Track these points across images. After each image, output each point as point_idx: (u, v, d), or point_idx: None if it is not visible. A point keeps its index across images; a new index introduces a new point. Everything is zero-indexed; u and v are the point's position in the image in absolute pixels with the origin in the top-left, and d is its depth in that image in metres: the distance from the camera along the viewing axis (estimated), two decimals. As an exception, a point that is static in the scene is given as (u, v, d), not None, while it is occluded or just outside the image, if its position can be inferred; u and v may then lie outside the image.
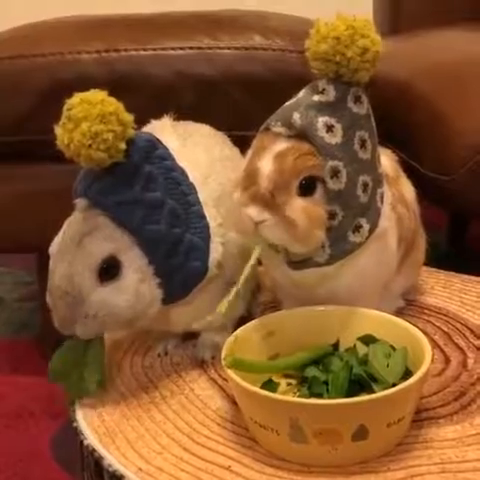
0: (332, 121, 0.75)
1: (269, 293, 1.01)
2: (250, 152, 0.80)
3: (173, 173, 0.81)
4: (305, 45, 0.77)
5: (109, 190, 0.75)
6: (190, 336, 0.92)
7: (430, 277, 1.07)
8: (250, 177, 0.75)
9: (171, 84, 1.11)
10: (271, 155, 0.75)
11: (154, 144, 0.79)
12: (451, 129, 1.12)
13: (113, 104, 0.73)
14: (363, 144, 0.77)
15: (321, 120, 0.74)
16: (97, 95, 0.73)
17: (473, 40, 1.41)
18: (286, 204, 0.74)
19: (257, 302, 0.99)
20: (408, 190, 0.91)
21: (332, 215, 0.75)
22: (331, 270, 0.79)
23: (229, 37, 1.14)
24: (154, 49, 1.13)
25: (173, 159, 0.82)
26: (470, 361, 0.85)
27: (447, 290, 1.04)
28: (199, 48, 1.13)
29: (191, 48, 1.13)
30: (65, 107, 0.73)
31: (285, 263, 0.80)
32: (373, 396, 0.66)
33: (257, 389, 0.69)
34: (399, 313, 0.93)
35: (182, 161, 0.83)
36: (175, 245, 0.78)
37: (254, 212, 0.74)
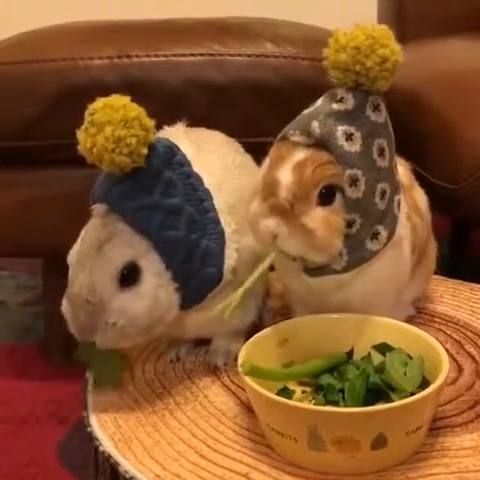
0: (351, 129, 0.75)
1: (279, 299, 1.02)
2: (267, 161, 0.80)
3: (191, 179, 0.81)
4: (323, 54, 0.78)
5: (129, 195, 0.75)
6: (202, 342, 0.92)
7: (439, 285, 1.07)
8: (269, 188, 0.75)
9: (182, 90, 1.12)
10: (290, 165, 0.75)
11: (173, 150, 0.79)
12: (459, 138, 1.13)
13: (135, 109, 0.73)
14: (381, 152, 0.77)
15: (340, 129, 0.75)
16: (120, 100, 0.73)
17: (476, 49, 1.42)
18: (305, 215, 0.74)
19: (267, 308, 1.00)
20: (422, 199, 0.91)
21: (350, 223, 0.76)
22: (348, 277, 0.79)
23: (239, 44, 1.15)
24: (165, 55, 1.13)
25: (190, 165, 0.82)
26: (483, 370, 0.85)
27: (456, 298, 1.04)
28: (210, 54, 1.13)
29: (202, 55, 1.13)
30: (87, 112, 0.73)
31: (301, 270, 0.80)
32: (393, 404, 0.67)
33: (276, 396, 0.69)
34: (410, 321, 0.93)
35: (196, 167, 0.84)
36: (192, 250, 0.78)
37: (272, 224, 0.74)
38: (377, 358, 0.78)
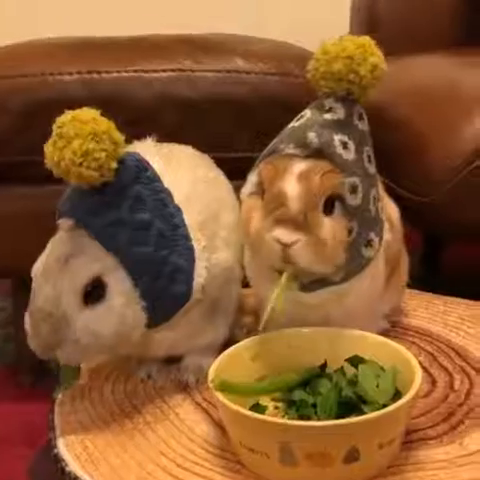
0: (345, 138, 0.75)
1: (253, 315, 1.00)
2: (253, 179, 0.79)
3: (161, 194, 0.79)
4: (309, 66, 0.78)
5: (97, 210, 0.74)
6: (173, 360, 0.90)
7: (412, 299, 1.07)
8: (275, 200, 0.73)
9: (153, 106, 1.11)
10: (294, 176, 0.74)
11: (143, 165, 0.78)
12: (429, 151, 1.13)
13: (105, 123, 0.72)
14: (369, 159, 0.78)
15: (336, 138, 0.75)
16: (89, 113, 0.72)
17: (451, 65, 1.44)
18: (318, 224, 0.73)
19: (240, 325, 0.98)
20: (393, 211, 0.91)
21: (349, 231, 0.75)
22: (346, 288, 0.79)
23: (211, 59, 1.15)
24: (136, 71, 1.12)
25: (160, 180, 0.81)
26: (456, 382, 0.85)
27: (430, 312, 1.04)
28: (180, 70, 1.13)
29: (173, 70, 1.13)
30: (55, 125, 0.72)
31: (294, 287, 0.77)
32: (365, 417, 0.66)
33: (248, 412, 0.68)
34: (383, 335, 0.92)
35: (166, 182, 0.82)
36: (161, 267, 0.77)
37: (284, 234, 0.72)
38: (350, 371, 0.77)
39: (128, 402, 0.84)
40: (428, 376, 0.86)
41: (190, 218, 0.82)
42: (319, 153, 0.75)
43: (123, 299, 0.74)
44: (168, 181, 0.82)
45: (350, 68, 0.75)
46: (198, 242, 0.82)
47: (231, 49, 1.18)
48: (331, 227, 0.74)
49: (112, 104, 1.10)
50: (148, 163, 0.79)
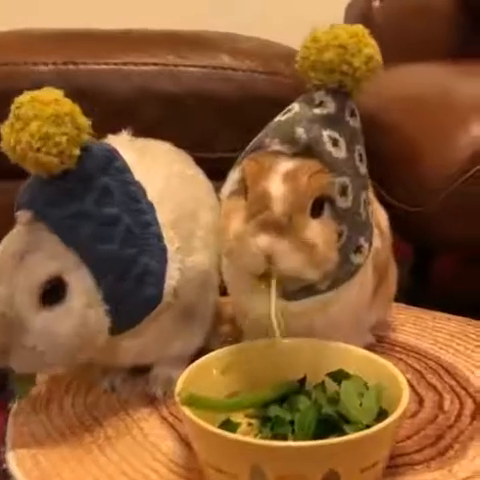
0: (335, 135, 0.69)
1: (231, 324, 0.94)
2: (235, 176, 0.73)
3: (131, 188, 0.74)
4: (300, 54, 0.72)
5: (57, 201, 0.67)
6: (141, 370, 0.83)
7: (400, 313, 1.01)
8: (258, 202, 0.67)
9: (132, 100, 1.05)
10: (279, 175, 0.67)
11: (113, 154, 0.72)
12: (424, 159, 1.08)
13: (68, 104, 0.66)
14: (361, 158, 0.72)
15: (325, 134, 0.69)
16: (50, 93, 0.66)
17: (446, 73, 1.40)
18: (304, 227, 0.66)
19: (217, 334, 0.92)
20: (383, 219, 0.86)
21: (339, 235, 0.69)
22: (333, 296, 0.73)
23: (195, 55, 1.09)
24: (115, 64, 1.06)
25: (132, 173, 0.75)
26: (446, 402, 0.78)
27: (418, 327, 0.99)
28: (163, 64, 1.07)
29: (155, 64, 1.07)
30: (13, 105, 0.65)
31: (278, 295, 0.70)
32: (346, 438, 0.59)
33: (215, 429, 0.61)
34: (369, 350, 0.86)
35: (140, 178, 0.76)
36: (128, 268, 0.71)
37: (267, 241, 0.65)
38: (332, 387, 0.71)
39: (88, 414, 0.77)
40: (415, 395, 0.80)
41: (162, 216, 0.77)
42: (307, 150, 0.69)
43: (84, 300, 0.68)
44: (141, 176, 0.77)
45: (343, 58, 0.69)
46: (171, 242, 0.76)
47: (217, 46, 1.13)
48: (320, 230, 0.67)
49: (88, 96, 1.04)
50: (118, 153, 0.73)
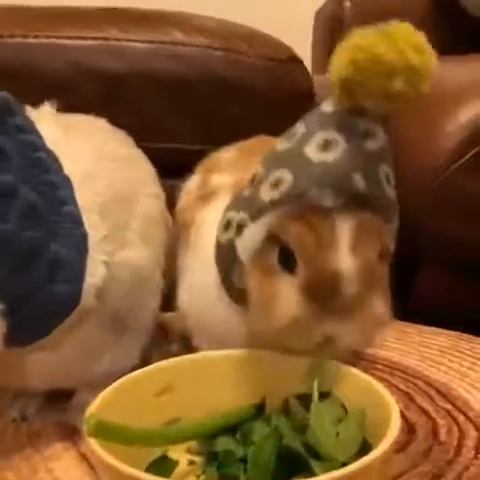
0: (388, 169, 0.54)
1: (178, 343, 0.78)
2: (269, 232, 0.55)
3: (37, 154, 0.58)
4: (343, 73, 0.51)
5: None
6: (61, 395, 0.66)
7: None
8: (324, 284, 0.52)
9: (67, 76, 0.90)
10: (345, 247, 0.52)
11: (9, 108, 0.56)
12: (408, 164, 0.96)
13: None
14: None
15: (382, 175, 0.54)
16: None
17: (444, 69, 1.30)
18: (374, 303, 0.54)
19: (161, 351, 0.76)
20: None
21: None
22: None
23: (142, 30, 0.95)
24: (47, 37, 0.92)
25: (40, 137, 0.60)
26: (442, 430, 0.63)
27: (402, 342, 0.86)
28: (103, 38, 0.93)
29: (94, 38, 0.93)
30: None
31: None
32: (315, 480, 0.43)
33: (132, 470, 0.44)
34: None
35: (62, 155, 0.62)
36: (31, 255, 0.54)
37: (333, 327, 0.53)
38: (299, 411, 0.54)
39: (-14, 452, 0.60)
40: (404, 422, 0.64)
41: (86, 197, 0.61)
42: (367, 201, 0.53)
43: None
44: (64, 152, 0.62)
45: (411, 83, 0.51)
46: (95, 229, 0.61)
47: (169, 22, 0.99)
48: (385, 300, 0.55)
49: (16, 72, 0.90)
50: (20, 109, 0.57)
